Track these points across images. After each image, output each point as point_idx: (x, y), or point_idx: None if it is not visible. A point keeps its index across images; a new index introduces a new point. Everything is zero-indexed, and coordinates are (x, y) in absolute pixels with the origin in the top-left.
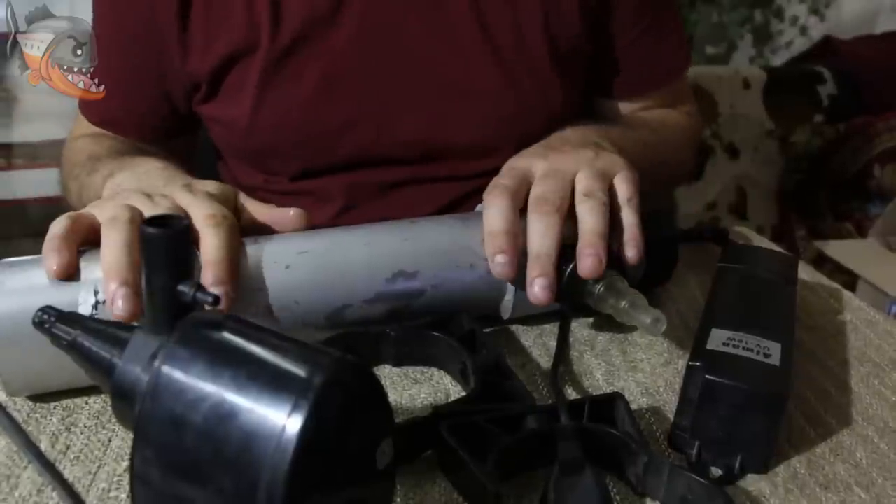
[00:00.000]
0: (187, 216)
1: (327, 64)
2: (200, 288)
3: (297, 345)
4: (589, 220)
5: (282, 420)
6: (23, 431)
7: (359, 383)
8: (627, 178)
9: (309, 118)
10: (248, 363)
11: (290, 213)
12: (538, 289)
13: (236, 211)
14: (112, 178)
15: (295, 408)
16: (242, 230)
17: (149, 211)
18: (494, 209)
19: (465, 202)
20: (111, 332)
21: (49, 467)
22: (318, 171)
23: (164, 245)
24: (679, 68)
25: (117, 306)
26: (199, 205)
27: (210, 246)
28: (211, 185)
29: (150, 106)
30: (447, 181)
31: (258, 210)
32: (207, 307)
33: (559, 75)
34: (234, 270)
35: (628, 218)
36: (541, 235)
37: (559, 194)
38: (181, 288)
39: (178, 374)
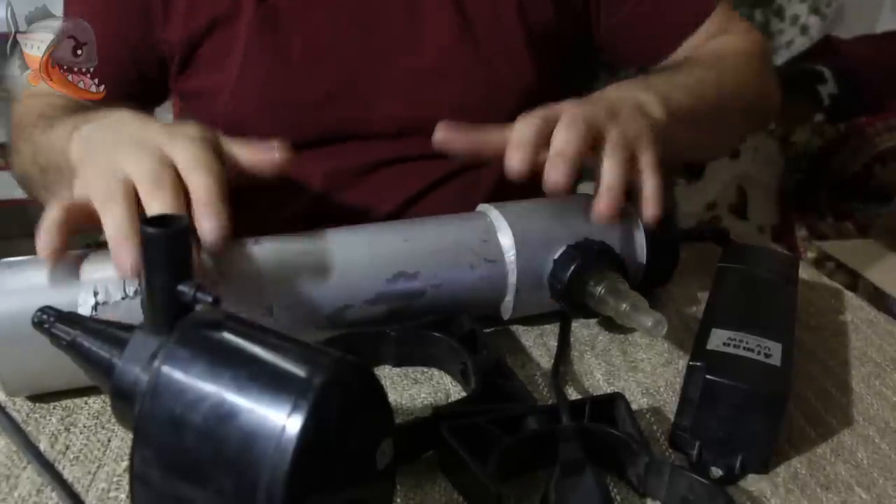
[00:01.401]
0: (174, 161)
1: (308, 36)
2: (200, 288)
3: (298, 344)
4: (611, 170)
5: (281, 420)
6: (21, 431)
7: (359, 383)
8: (651, 148)
9: (291, 88)
10: (248, 363)
11: (273, 149)
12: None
13: (221, 157)
14: (78, 132)
15: (295, 408)
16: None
17: (139, 164)
18: (523, 124)
19: (444, 184)
20: (111, 332)
21: (48, 467)
22: (299, 145)
23: (164, 245)
24: (707, 5)
25: (119, 256)
26: (187, 148)
27: (202, 185)
28: (192, 129)
29: (119, 70)
30: (425, 160)
31: (241, 152)
32: (205, 307)
33: (533, 58)
34: (229, 211)
35: (649, 181)
36: (562, 142)
37: (578, 143)
38: (181, 288)
39: (177, 374)
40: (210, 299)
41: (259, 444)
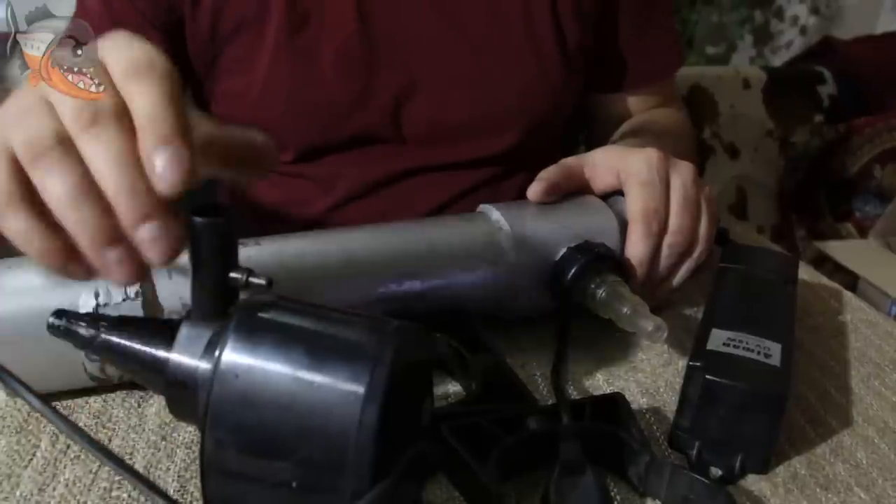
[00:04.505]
0: (105, 68)
1: (338, 39)
2: (251, 273)
3: (356, 315)
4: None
5: (362, 386)
6: (84, 432)
7: (417, 346)
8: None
9: (320, 92)
10: (317, 337)
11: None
12: None
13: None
14: None
15: (374, 372)
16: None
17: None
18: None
19: (468, 195)
20: (150, 327)
21: (123, 465)
22: (323, 149)
23: (215, 234)
24: (672, 64)
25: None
26: (119, 51)
27: (142, 103)
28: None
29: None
30: (450, 170)
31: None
32: (259, 291)
33: (563, 64)
34: (184, 126)
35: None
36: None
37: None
38: (233, 275)
39: (246, 356)
40: (264, 282)
41: (343, 410)
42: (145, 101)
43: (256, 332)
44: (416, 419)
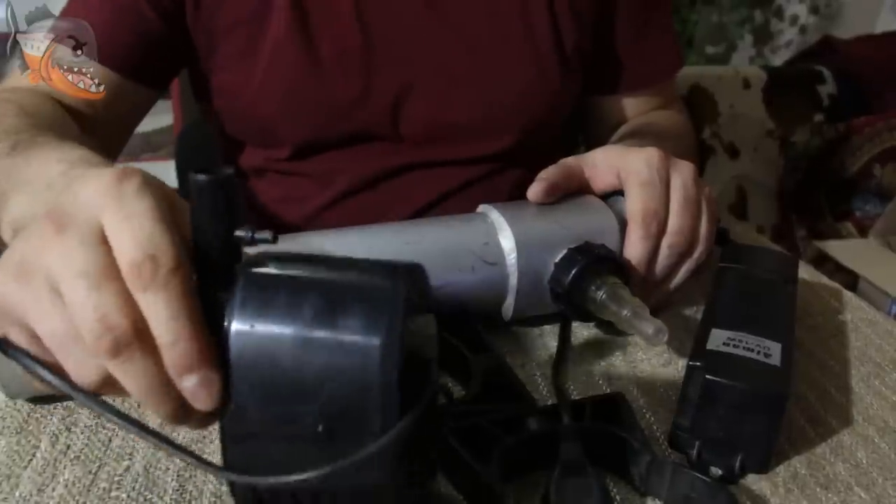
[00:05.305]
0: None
1: (337, 39)
2: (256, 229)
3: (360, 260)
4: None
5: (383, 328)
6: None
7: (424, 286)
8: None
9: (319, 91)
10: (329, 284)
11: None
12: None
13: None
14: (7, 206)
15: (392, 314)
16: None
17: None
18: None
19: (463, 190)
20: None
21: (168, 442)
22: (320, 146)
23: (218, 191)
24: (672, 67)
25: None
26: (130, 239)
27: (158, 322)
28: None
29: (137, 30)
30: (447, 166)
31: None
32: (264, 246)
33: (560, 65)
34: (202, 344)
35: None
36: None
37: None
38: (239, 233)
39: (259, 308)
40: (269, 237)
41: (365, 351)
42: (161, 318)
43: (268, 284)
44: (427, 364)
